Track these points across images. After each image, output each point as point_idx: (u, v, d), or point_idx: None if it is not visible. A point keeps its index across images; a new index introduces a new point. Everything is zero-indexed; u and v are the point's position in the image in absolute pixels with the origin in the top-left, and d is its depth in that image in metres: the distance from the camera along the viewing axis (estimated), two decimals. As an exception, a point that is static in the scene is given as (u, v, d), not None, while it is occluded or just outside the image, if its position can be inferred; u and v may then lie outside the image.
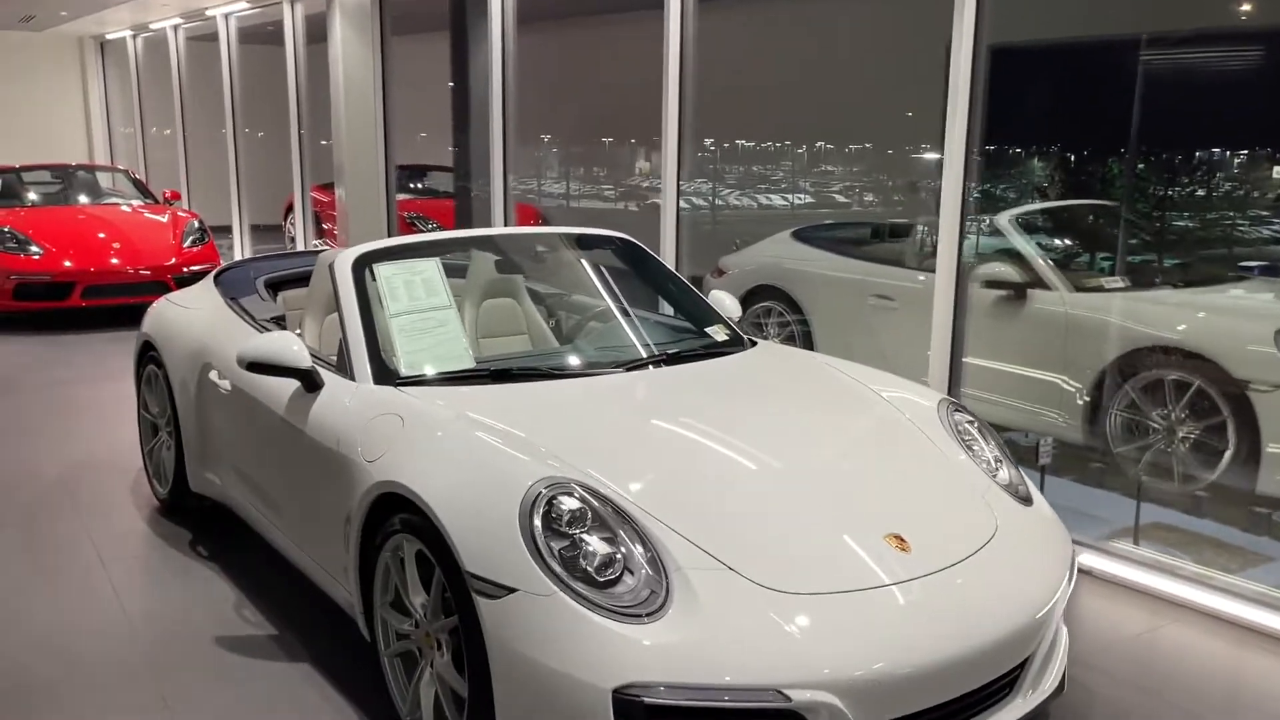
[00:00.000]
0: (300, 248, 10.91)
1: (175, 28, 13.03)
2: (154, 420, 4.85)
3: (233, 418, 4.00)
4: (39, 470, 5.32)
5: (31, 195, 10.35)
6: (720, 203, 10.49)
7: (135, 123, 15.02)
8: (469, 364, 3.43)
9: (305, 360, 3.37)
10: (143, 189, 10.84)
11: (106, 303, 9.02)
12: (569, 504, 2.54)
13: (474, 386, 3.30)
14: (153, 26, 13.45)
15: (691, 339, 3.90)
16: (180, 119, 13.39)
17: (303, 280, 4.85)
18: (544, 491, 2.55)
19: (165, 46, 13.76)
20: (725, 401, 3.39)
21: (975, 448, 3.23)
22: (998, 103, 4.68)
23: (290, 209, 13.43)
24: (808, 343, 6.64)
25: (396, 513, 2.83)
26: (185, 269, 9.30)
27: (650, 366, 3.59)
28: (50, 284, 8.80)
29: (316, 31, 10.20)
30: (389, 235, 8.57)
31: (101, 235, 9.31)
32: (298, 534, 3.58)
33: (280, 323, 4.26)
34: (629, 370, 3.52)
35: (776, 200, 10.39)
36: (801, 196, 9.82)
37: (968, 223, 4.73)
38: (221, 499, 4.30)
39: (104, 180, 11.14)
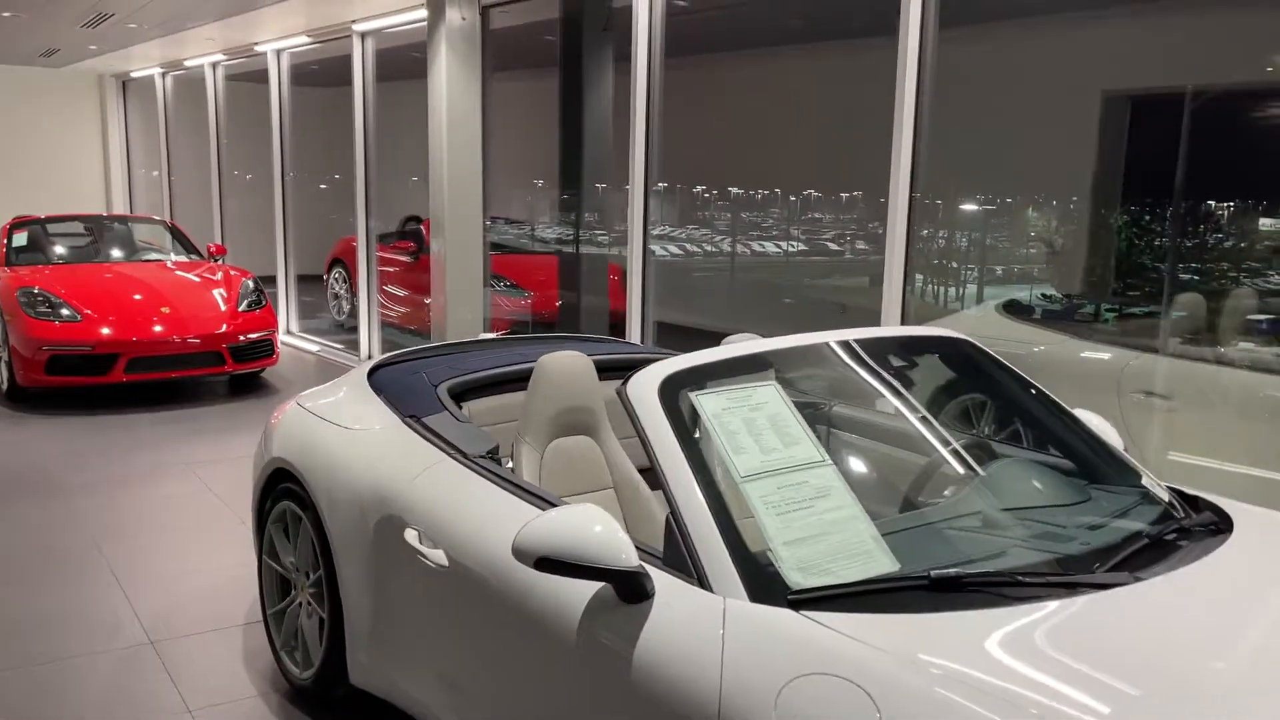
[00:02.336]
0: (364, 306, 9.67)
1: (215, 65, 11.89)
2: (287, 575, 3.59)
3: (449, 605, 2.75)
4: (96, 617, 4.04)
5: (60, 250, 9.10)
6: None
7: (162, 167, 13.82)
8: (890, 565, 2.18)
9: (631, 559, 2.14)
10: (185, 242, 9.60)
11: (153, 377, 7.76)
12: None
13: (914, 615, 2.04)
14: (188, 64, 12.30)
15: (1138, 503, 2.65)
16: (216, 163, 12.20)
17: (497, 387, 3.64)
18: None
19: (195, 86, 12.62)
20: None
21: None
22: None
23: (335, 261, 12.26)
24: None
25: None
26: (241, 337, 8.06)
27: (1128, 558, 2.34)
28: (89, 356, 7.53)
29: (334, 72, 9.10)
30: (483, 292, 7.35)
31: (143, 298, 8.05)
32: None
33: (495, 456, 3.03)
34: (1115, 569, 2.26)
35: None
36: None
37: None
38: (405, 707, 3.04)
39: (140, 232, 9.90)
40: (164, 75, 13.43)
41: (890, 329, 3.23)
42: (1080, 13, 5.92)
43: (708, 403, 2.42)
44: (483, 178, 7.20)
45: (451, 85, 6.69)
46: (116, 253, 9.24)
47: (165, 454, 6.53)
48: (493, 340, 4.23)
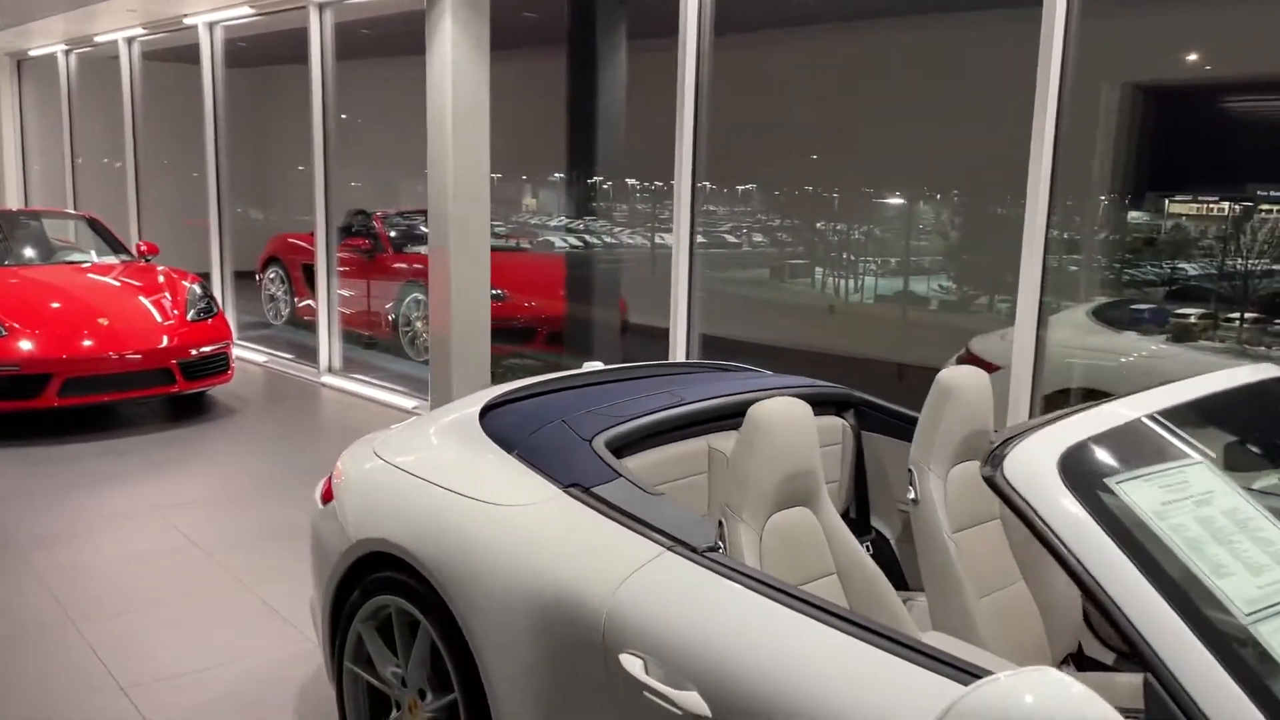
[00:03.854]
0: (324, 311, 8.63)
1: (130, 40, 10.62)
2: (387, 692, 2.74)
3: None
4: (128, 750, 3.12)
5: (-35, 251, 7.85)
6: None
7: (65, 155, 12.41)
8: None
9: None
10: (111, 240, 8.42)
11: (92, 400, 6.65)
12: None
13: None
14: (98, 39, 10.98)
15: None
16: (133, 151, 10.93)
17: (656, 438, 2.85)
18: None
19: (102, 65, 11.32)
20: None
21: None
22: None
23: (271, 260, 11.14)
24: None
25: None
26: (193, 351, 7.00)
27: None
28: (17, 377, 6.39)
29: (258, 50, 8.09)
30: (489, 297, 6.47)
31: (75, 308, 6.92)
32: None
33: (677, 541, 2.24)
34: None
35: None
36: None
37: None
38: None
39: (55, 229, 8.68)
40: (68, 53, 12.03)
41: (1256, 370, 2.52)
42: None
43: (1140, 495, 1.69)
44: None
45: (457, 63, 5.80)
46: (31, 253, 8.01)
47: (124, 495, 5.50)
48: (611, 370, 3.42)
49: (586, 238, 8.95)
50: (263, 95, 10.39)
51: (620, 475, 2.51)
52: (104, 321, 6.78)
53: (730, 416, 3.00)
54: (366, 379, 8.33)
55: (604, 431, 2.73)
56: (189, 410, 7.35)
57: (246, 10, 8.72)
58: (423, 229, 10.81)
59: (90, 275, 7.65)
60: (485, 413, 2.98)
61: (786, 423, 2.43)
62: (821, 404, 3.22)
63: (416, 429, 3.16)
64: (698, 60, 5.42)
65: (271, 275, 11.19)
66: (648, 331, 8.16)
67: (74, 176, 12.39)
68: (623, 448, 2.74)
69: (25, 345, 6.44)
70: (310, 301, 10.68)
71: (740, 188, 9.29)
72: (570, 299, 8.43)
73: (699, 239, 6.80)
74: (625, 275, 8.38)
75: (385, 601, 2.72)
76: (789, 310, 8.89)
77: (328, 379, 8.45)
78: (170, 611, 4.10)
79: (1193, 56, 5.64)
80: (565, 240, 10.27)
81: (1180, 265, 5.49)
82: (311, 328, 10.46)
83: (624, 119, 6.87)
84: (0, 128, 13.43)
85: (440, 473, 2.74)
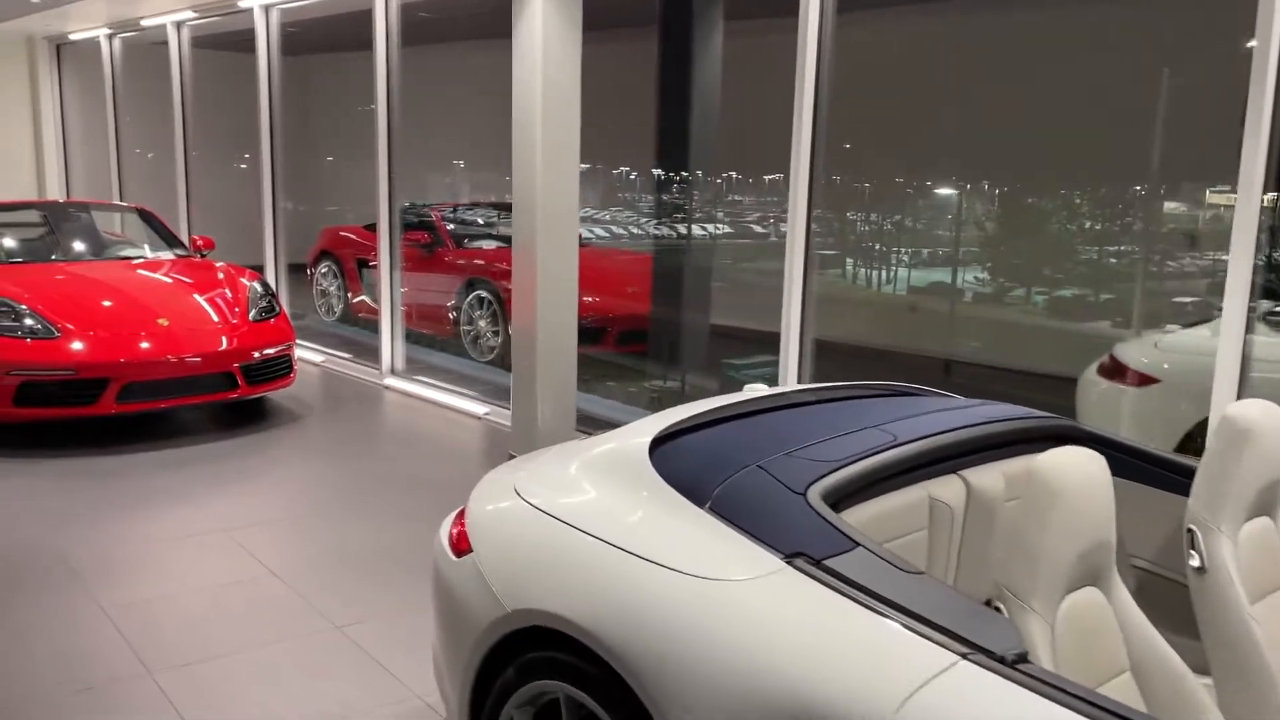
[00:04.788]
0: (386, 310, 8.17)
1: (180, 25, 10.20)
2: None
3: None
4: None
5: (11, 245, 7.43)
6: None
7: (109, 144, 12.03)
8: None
9: None
10: (165, 234, 7.99)
11: (151, 406, 6.23)
12: None
13: None
14: (145, 23, 10.57)
15: None
16: (182, 140, 10.52)
17: (874, 487, 2.36)
18: None
19: (146, 51, 10.93)
20: None
21: None
22: None
23: (323, 254, 10.71)
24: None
25: None
26: (255, 353, 6.56)
27: None
28: (72, 382, 5.97)
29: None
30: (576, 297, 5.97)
31: (132, 307, 6.49)
32: None
33: (971, 646, 1.73)
34: None
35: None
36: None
37: None
38: None
39: (106, 222, 8.27)
40: (110, 38, 11.63)
41: None
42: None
43: None
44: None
45: (549, 42, 5.31)
46: (81, 248, 7.59)
47: (191, 514, 5.06)
48: (778, 395, 2.92)
49: (660, 229, 8.45)
50: (301, 84, 9.93)
51: (858, 544, 2.01)
52: (163, 322, 6.35)
53: (950, 458, 2.50)
54: (432, 381, 7.87)
55: (817, 482, 2.22)
56: (248, 416, 6.92)
57: (305, -10, 8.26)
58: (481, 223, 10.36)
59: (145, 272, 7.23)
60: (656, 446, 2.49)
61: (1086, 483, 1.92)
62: (1038, 440, 2.72)
63: (562, 462, 2.68)
64: (819, 42, 4.89)
65: (324, 270, 10.77)
66: (728, 333, 7.66)
67: (119, 166, 12.00)
68: (838, 502, 2.25)
69: (81, 348, 6.02)
70: (364, 297, 10.26)
71: (767, 178, 8.84)
72: (642, 296, 7.95)
73: (725, 229, 6.23)
74: (702, 271, 7.86)
75: (549, 687, 2.23)
76: (860, 306, 8.35)
77: (390, 381, 8.00)
78: (256, 657, 3.65)
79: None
80: (637, 232, 9.78)
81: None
82: (365, 325, 10.04)
83: (718, 106, 6.36)
84: (40, 115, 13.07)
85: (615, 528, 2.25)
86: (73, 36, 12.26)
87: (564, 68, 5.45)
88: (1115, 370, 5.16)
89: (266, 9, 8.85)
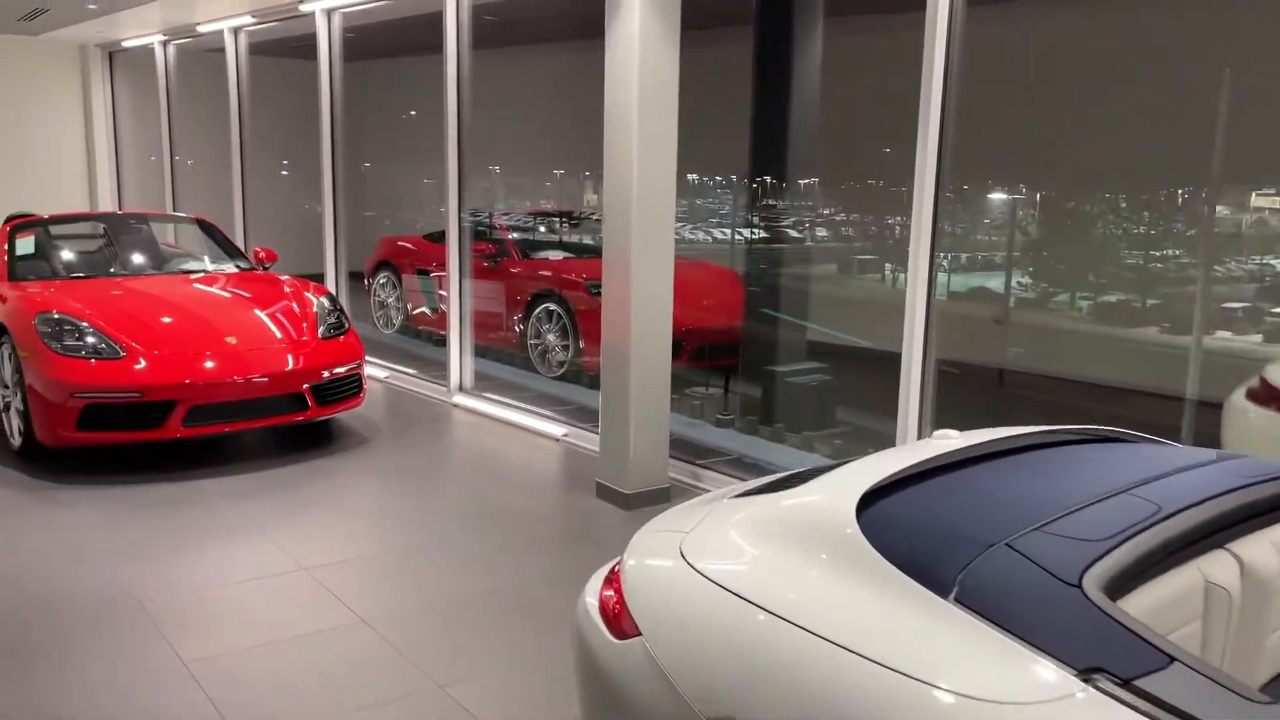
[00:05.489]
0: (454, 324, 7.83)
1: (236, 31, 9.94)
2: None
3: None
4: None
5: (71, 259, 7.16)
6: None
7: (163, 153, 11.82)
8: None
9: None
10: (227, 246, 7.70)
11: (218, 429, 5.92)
12: None
13: None
14: (200, 29, 10.32)
15: None
16: (238, 149, 10.26)
17: (1148, 571, 1.94)
18: None
19: (198, 59, 10.70)
20: None
21: None
22: None
23: (382, 264, 10.41)
24: None
25: None
26: (325, 373, 6.23)
27: None
28: (138, 405, 5.67)
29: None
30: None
31: (198, 324, 6.18)
32: None
33: None
34: None
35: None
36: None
37: None
38: None
39: (162, 233, 8.00)
40: (165, 44, 11.42)
41: None
42: None
43: None
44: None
45: (646, 42, 4.93)
46: (142, 261, 7.31)
47: (267, 550, 4.72)
48: (978, 445, 2.50)
49: (746, 234, 8.03)
50: (351, 90, 9.61)
51: (1174, 658, 1.60)
52: (231, 340, 6.04)
53: (1218, 530, 2.09)
54: (503, 399, 7.52)
55: (1090, 569, 1.81)
56: (314, 438, 6.59)
57: (370, -8, 7.95)
58: (546, 232, 10.01)
59: (209, 287, 6.92)
60: (864, 509, 2.09)
61: None
62: None
63: (738, 521, 2.28)
64: (948, 39, 4.48)
65: (382, 280, 10.46)
66: (827, 350, 7.20)
67: (173, 176, 11.79)
68: (1114, 591, 1.83)
69: (147, 368, 5.71)
70: (424, 309, 9.95)
71: (801, 181, 8.45)
72: (724, 309, 7.56)
73: (759, 234, 5.82)
74: (793, 281, 7.43)
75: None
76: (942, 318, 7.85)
77: (460, 399, 7.66)
78: (357, 725, 3.29)
79: None
80: (717, 236, 9.37)
81: None
82: (426, 337, 9.72)
83: (817, 109, 5.94)
84: (92, 125, 12.89)
85: (838, 622, 1.85)
86: (126, 44, 12.06)
87: (662, 70, 5.07)
88: (1269, 396, 4.69)
89: (329, 14, 8.55)
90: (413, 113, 12.01)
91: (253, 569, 4.50)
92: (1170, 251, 6.57)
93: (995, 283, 7.33)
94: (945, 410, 4.88)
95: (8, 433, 6.11)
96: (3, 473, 5.79)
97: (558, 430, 6.78)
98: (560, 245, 9.54)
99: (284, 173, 12.34)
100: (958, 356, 6.54)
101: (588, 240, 9.52)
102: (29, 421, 5.78)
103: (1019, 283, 7.44)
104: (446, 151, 7.47)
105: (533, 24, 9.88)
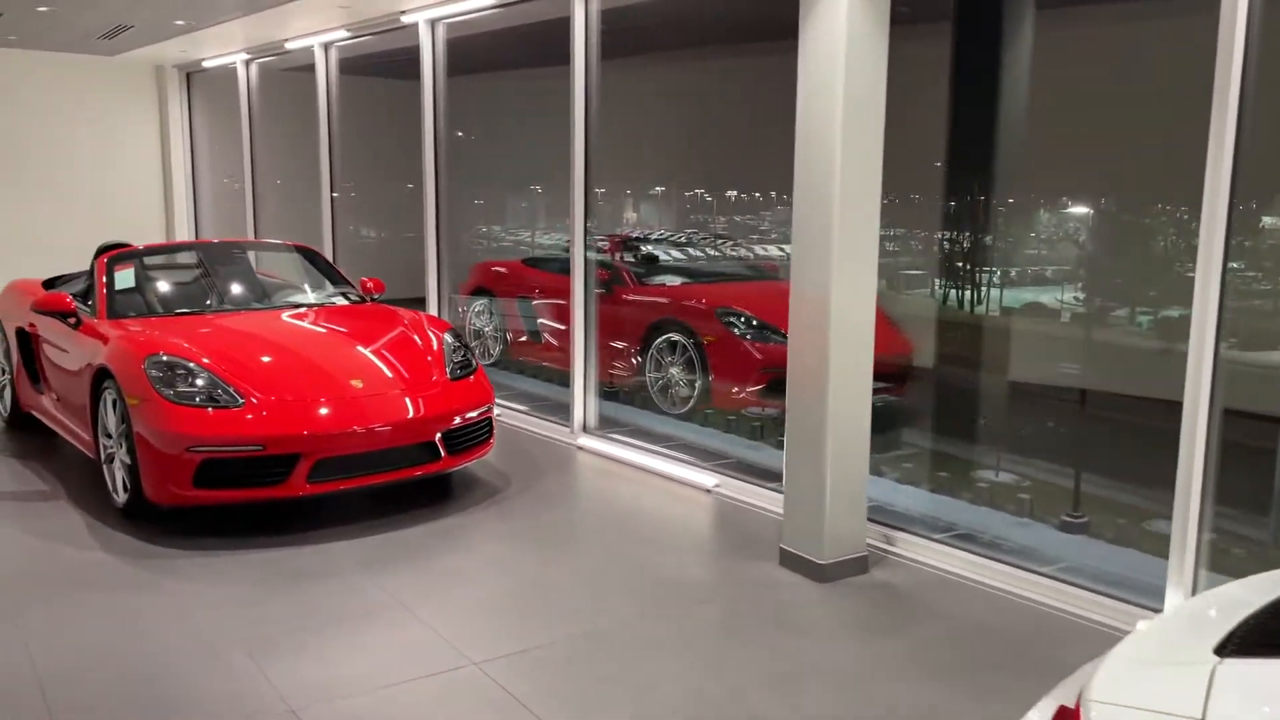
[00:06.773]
0: (579, 357, 7.15)
1: (327, 46, 9.40)
2: None
3: None
4: None
5: (169, 292, 6.58)
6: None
7: (245, 177, 11.32)
8: None
9: None
10: (333, 276, 7.08)
11: (344, 485, 5.27)
12: None
13: None
14: (290, 45, 9.80)
15: None
16: (328, 172, 9.71)
17: None
18: None
19: (281, 79, 10.18)
20: None
21: None
22: None
23: (479, 290, 9.77)
24: None
25: None
26: (457, 418, 5.57)
27: None
28: (259, 459, 5.04)
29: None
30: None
31: (320, 367, 5.54)
32: None
33: None
34: None
35: None
36: None
37: None
38: None
39: (262, 262, 7.41)
40: (248, 63, 10.92)
41: None
42: None
43: None
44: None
45: (853, 39, 4.24)
46: (246, 295, 6.68)
47: (420, 639, 4.04)
48: None
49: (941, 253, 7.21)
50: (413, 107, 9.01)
51: None
52: (357, 384, 5.40)
53: None
54: (633, 442, 6.83)
55: None
56: (433, 491, 5.92)
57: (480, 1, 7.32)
58: (664, 257, 9.32)
59: (322, 323, 6.31)
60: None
61: None
62: None
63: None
64: (1247, 35, 3.74)
65: (478, 308, 9.83)
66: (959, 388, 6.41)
67: (254, 201, 11.28)
68: None
69: (268, 417, 5.08)
70: (525, 338, 9.31)
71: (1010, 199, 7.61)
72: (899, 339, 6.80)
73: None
74: (896, 305, 6.64)
75: None
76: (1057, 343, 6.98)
77: (584, 440, 6.98)
78: None
79: None
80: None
81: None
82: (528, 371, 9.08)
83: (1025, 114, 5.20)
84: (169, 147, 12.43)
85: None
86: (206, 63, 11.59)
87: (870, 73, 4.38)
88: None
89: (433, 24, 7.96)
90: (464, 133, 11.48)
91: (415, 664, 3.83)
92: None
93: (1049, 297, 6.46)
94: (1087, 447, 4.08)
95: (110, 489, 5.50)
96: (109, 535, 5.18)
97: (707, 480, 6.07)
98: (680, 270, 8.84)
99: (352, 194, 11.81)
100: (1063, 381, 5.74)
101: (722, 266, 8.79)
102: (136, 477, 5.17)
103: (1075, 298, 6.54)
104: (572, 171, 6.82)
105: (643, 32, 9.22)
